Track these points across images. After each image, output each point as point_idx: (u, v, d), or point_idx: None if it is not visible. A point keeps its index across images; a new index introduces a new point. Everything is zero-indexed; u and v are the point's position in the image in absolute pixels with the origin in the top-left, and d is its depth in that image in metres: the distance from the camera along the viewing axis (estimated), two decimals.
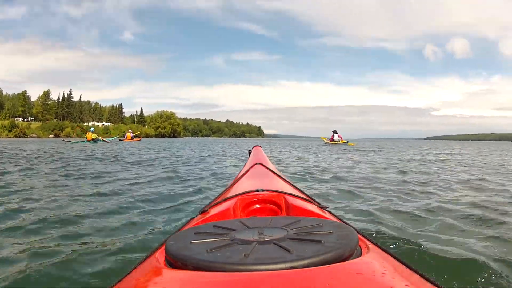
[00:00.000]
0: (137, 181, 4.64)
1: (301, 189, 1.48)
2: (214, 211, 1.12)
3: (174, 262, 0.62)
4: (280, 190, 1.25)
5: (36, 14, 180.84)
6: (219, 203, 1.20)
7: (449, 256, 1.68)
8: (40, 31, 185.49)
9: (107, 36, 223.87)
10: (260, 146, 2.80)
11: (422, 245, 1.85)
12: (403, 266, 0.64)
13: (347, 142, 23.38)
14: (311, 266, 0.54)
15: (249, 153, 2.70)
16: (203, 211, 1.13)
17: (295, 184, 1.57)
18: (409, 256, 1.69)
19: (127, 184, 4.31)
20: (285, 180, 1.61)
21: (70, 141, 23.35)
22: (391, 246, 1.82)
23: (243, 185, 1.45)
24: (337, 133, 23.59)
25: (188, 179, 4.90)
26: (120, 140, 27.50)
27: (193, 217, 1.15)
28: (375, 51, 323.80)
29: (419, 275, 0.61)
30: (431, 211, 2.77)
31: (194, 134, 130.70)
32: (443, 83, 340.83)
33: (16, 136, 55.95)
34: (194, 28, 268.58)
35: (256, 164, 1.94)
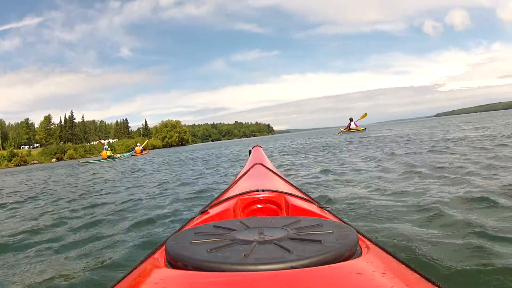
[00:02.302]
0: (137, 183, 4.65)
1: (301, 189, 1.48)
2: (214, 211, 1.12)
3: (174, 262, 0.62)
4: (280, 190, 1.25)
5: (30, 43, 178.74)
6: (219, 203, 1.20)
7: (450, 256, 1.68)
8: (37, 59, 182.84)
9: (105, 55, 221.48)
10: (260, 146, 2.82)
11: (422, 245, 1.85)
12: (403, 266, 0.64)
13: (365, 129, 22.54)
14: (311, 266, 0.54)
15: (249, 153, 2.71)
16: (203, 211, 1.13)
17: (295, 184, 1.57)
18: (409, 256, 1.69)
19: (128, 187, 4.31)
20: (285, 180, 1.61)
21: (86, 162, 21.63)
22: (391, 246, 1.82)
23: (243, 185, 1.45)
24: (353, 120, 22.82)
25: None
26: (132, 155, 26.82)
27: (193, 217, 1.15)
28: (373, 34, 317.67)
29: (419, 275, 0.61)
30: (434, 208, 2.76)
31: (204, 139, 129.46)
32: (445, 58, 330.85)
33: (16, 165, 55.16)
34: (190, 35, 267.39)
35: (256, 164, 1.94)
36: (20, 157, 59.85)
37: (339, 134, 22.61)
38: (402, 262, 0.66)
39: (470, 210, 2.68)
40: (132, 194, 3.85)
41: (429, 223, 2.36)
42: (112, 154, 23.02)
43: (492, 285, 1.41)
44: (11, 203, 4.37)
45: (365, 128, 22.77)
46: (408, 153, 6.16)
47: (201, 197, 3.48)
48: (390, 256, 0.69)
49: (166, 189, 4.07)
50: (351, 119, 22.93)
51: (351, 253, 0.61)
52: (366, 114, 24.04)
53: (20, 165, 55.41)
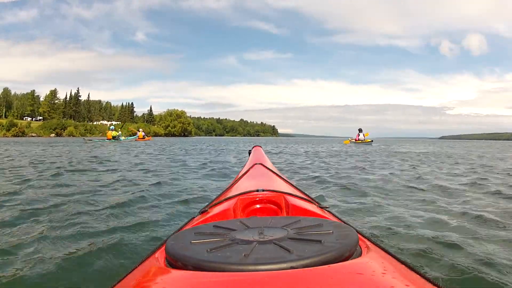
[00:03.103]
0: (137, 180, 4.64)
1: (301, 189, 1.48)
2: (214, 211, 1.12)
3: (174, 262, 0.62)
4: (280, 190, 1.25)
5: (47, 16, 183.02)
6: (219, 203, 1.20)
7: (450, 256, 1.68)
8: (52, 33, 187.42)
9: (120, 37, 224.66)
10: (260, 146, 2.82)
11: (422, 245, 1.85)
12: (403, 266, 0.64)
13: (372, 141, 22.44)
14: (311, 266, 0.54)
15: (249, 153, 2.71)
16: (203, 211, 1.13)
17: (295, 184, 1.57)
18: (409, 256, 1.69)
19: (127, 185, 4.31)
20: (285, 180, 1.61)
21: (91, 140, 23.30)
22: (391, 246, 1.82)
23: (243, 185, 1.45)
24: (362, 131, 22.69)
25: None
26: (136, 140, 27.35)
27: (193, 217, 1.15)
28: (388, 48, 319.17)
29: (419, 275, 0.61)
30: (435, 210, 2.76)
31: (208, 133, 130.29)
32: (457, 81, 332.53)
33: (14, 136, 55.44)
34: (206, 28, 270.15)
35: (256, 164, 1.94)
36: (19, 128, 59.54)
37: (349, 144, 22.44)
38: (402, 262, 0.66)
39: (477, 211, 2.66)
40: (132, 186, 3.86)
41: (431, 223, 2.35)
42: (117, 136, 23.57)
43: (492, 284, 1.41)
44: None
45: (372, 140, 22.68)
46: None
47: (201, 196, 3.48)
48: (390, 256, 0.69)
49: (166, 183, 4.08)
50: (360, 130, 22.74)
51: (351, 253, 0.61)
52: (368, 134, 24.06)
53: (18, 136, 55.42)
